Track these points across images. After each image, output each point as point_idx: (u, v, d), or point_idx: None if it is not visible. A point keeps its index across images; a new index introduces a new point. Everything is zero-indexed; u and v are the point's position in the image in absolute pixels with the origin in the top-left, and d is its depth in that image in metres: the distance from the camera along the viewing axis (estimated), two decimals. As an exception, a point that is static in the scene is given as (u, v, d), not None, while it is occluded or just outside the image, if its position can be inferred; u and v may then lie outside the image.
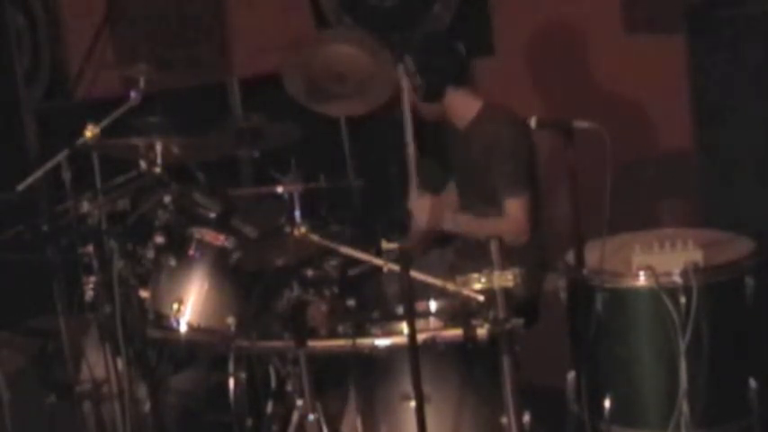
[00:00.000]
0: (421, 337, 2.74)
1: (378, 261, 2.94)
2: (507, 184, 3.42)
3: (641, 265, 3.06)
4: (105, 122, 3.26)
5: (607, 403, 3.10)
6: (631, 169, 4.28)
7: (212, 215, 3.29)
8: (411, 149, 3.58)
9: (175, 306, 3.17)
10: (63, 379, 3.76)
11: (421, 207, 3.58)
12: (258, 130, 3.55)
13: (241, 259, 3.21)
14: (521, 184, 3.42)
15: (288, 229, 3.14)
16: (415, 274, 2.75)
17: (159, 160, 3.27)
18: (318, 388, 3.13)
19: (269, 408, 3.46)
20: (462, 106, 3.57)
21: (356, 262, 3.20)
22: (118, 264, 3.15)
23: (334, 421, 3.15)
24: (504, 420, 2.81)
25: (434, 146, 3.79)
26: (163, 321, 3.20)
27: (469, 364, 2.93)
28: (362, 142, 4.44)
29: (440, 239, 3.78)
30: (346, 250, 3.09)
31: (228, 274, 3.22)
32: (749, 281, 3.06)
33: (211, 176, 3.56)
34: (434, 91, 3.53)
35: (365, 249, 3.05)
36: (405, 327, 2.68)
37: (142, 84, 3.41)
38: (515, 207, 3.40)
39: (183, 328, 3.18)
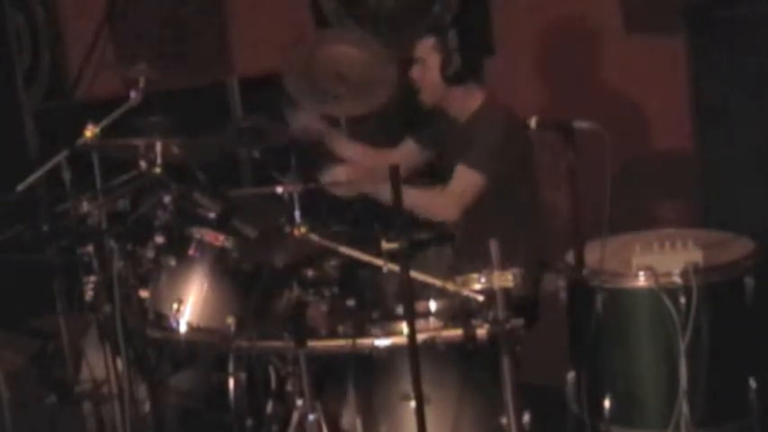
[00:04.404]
0: (421, 337, 2.74)
1: (378, 261, 2.94)
2: (471, 157, 3.43)
3: (641, 266, 3.06)
4: (105, 122, 3.26)
5: (607, 403, 3.10)
6: (631, 169, 4.27)
7: (212, 215, 3.29)
8: None
9: (175, 306, 3.17)
10: (63, 379, 3.77)
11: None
12: (258, 130, 3.55)
13: (241, 259, 3.21)
14: (483, 166, 3.42)
15: (288, 229, 3.14)
16: (414, 274, 2.75)
17: (159, 160, 3.28)
18: (318, 388, 3.13)
19: (269, 408, 3.46)
20: (468, 97, 3.59)
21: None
22: (118, 264, 3.15)
23: (334, 421, 3.15)
24: (504, 420, 2.81)
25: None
26: (163, 321, 3.20)
27: (469, 365, 2.94)
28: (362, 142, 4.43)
29: (438, 238, 3.77)
30: (346, 250, 3.09)
31: (228, 274, 3.22)
32: (749, 281, 3.06)
33: (211, 176, 3.56)
34: (467, 69, 3.53)
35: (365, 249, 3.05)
36: (405, 327, 2.68)
37: (142, 84, 3.40)
38: (464, 176, 3.41)
39: (182, 328, 3.18)
